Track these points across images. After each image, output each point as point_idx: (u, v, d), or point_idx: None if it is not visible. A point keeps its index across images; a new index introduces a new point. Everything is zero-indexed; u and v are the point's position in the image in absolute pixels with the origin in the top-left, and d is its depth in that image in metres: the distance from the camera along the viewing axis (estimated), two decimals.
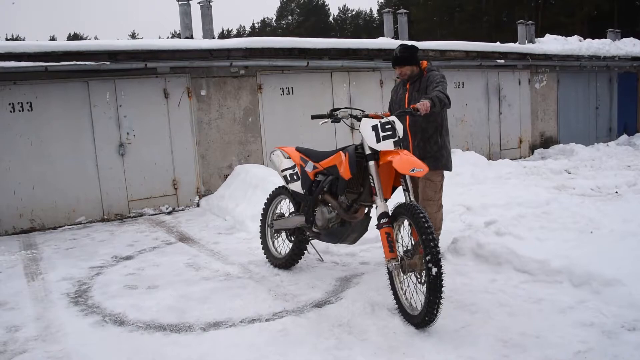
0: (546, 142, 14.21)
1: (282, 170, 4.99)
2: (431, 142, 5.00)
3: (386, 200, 3.98)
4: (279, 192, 5.28)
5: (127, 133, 8.46)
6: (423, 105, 4.37)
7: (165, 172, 8.80)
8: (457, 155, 10.91)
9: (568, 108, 14.80)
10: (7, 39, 52.82)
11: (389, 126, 3.96)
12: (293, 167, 4.90)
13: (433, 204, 5.03)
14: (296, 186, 4.85)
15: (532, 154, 13.82)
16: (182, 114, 8.88)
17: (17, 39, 50.01)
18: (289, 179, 4.92)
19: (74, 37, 63.20)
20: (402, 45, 5.09)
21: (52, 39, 55.82)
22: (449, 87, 5.45)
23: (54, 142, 7.94)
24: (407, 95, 5.05)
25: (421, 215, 3.54)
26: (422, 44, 11.70)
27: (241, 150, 9.43)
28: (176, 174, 8.88)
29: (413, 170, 3.60)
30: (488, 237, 5.37)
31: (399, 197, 4.06)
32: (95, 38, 58.31)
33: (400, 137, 3.99)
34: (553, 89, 14.41)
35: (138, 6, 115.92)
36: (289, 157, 4.99)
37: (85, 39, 58.94)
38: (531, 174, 9.83)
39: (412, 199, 3.88)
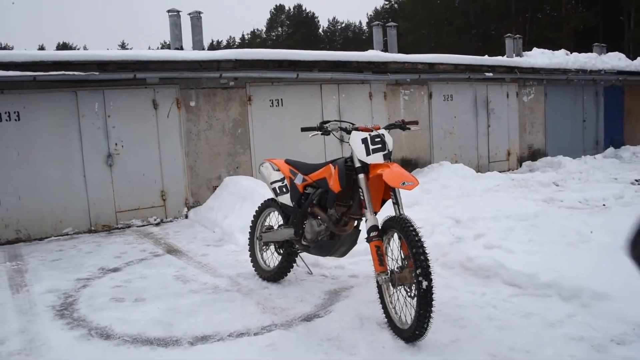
0: (534, 155, 14.32)
1: (271, 183, 4.97)
2: None
3: (375, 213, 3.97)
4: (268, 205, 5.25)
5: (116, 144, 8.41)
6: None
7: (154, 183, 8.74)
8: (446, 168, 10.96)
9: (556, 121, 14.94)
10: None
11: (379, 139, 3.96)
12: (282, 180, 4.89)
13: None
14: (285, 199, 4.83)
15: (520, 166, 13.91)
16: (171, 125, 8.85)
17: (5, 47, 49.73)
18: (278, 192, 4.90)
19: (63, 46, 62.97)
20: None
21: (41, 48, 55.56)
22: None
23: (42, 152, 7.87)
24: None
25: (411, 228, 3.53)
26: (411, 57, 11.79)
27: (230, 162, 9.40)
28: (165, 185, 8.82)
29: (403, 183, 3.59)
30: (477, 250, 5.39)
31: (388, 210, 4.06)
32: (85, 48, 58.18)
33: (390, 150, 3.99)
34: (541, 102, 14.54)
35: (128, 16, 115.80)
36: (278, 170, 4.97)
37: (75, 48, 58.70)
38: (519, 187, 9.88)
39: (402, 212, 3.87)
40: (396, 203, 3.91)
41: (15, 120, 7.70)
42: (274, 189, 4.96)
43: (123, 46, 68.60)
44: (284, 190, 4.84)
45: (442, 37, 40.86)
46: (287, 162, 4.98)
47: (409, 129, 4.50)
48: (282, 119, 9.87)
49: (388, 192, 4.01)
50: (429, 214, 6.95)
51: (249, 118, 9.58)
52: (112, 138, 8.38)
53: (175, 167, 8.91)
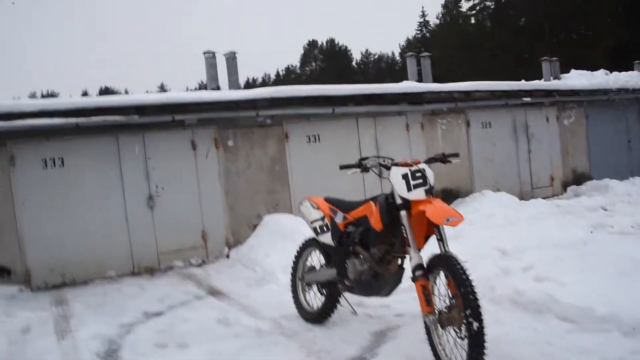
0: (579, 179, 13.88)
1: (312, 222, 4.92)
2: None
3: (419, 250, 3.86)
4: (309, 244, 5.18)
5: (156, 185, 8.52)
6: None
7: (195, 223, 8.78)
8: (488, 197, 10.73)
9: (599, 143, 14.51)
10: (42, 95, 54.96)
11: (420, 174, 3.88)
12: (322, 218, 4.82)
13: None
14: (326, 238, 4.76)
15: (565, 191, 13.48)
16: (210, 165, 8.93)
17: (51, 94, 51.86)
18: (319, 231, 4.84)
19: (105, 91, 65.33)
20: None
21: (85, 93, 57.73)
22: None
23: (85, 196, 8.03)
24: None
25: (458, 266, 3.41)
26: (447, 86, 11.70)
27: (269, 200, 9.40)
28: (205, 225, 8.85)
29: (448, 219, 3.48)
30: (526, 283, 5.20)
31: (432, 245, 3.94)
32: (126, 91, 60.15)
33: (432, 185, 3.89)
34: (582, 125, 14.18)
35: (166, 58, 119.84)
36: (317, 208, 4.91)
37: (116, 92, 60.74)
38: (566, 213, 9.55)
39: (447, 248, 3.75)
40: (440, 239, 3.80)
41: (60, 166, 7.90)
42: (314, 228, 4.90)
43: (162, 88, 70.56)
44: (325, 229, 4.77)
45: (475, 61, 40.49)
46: (327, 200, 4.92)
47: (450, 162, 4.43)
48: (319, 154, 9.85)
49: (432, 228, 3.91)
50: (474, 246, 6.76)
51: (286, 155, 9.60)
52: (152, 180, 8.50)
53: (215, 207, 8.95)
